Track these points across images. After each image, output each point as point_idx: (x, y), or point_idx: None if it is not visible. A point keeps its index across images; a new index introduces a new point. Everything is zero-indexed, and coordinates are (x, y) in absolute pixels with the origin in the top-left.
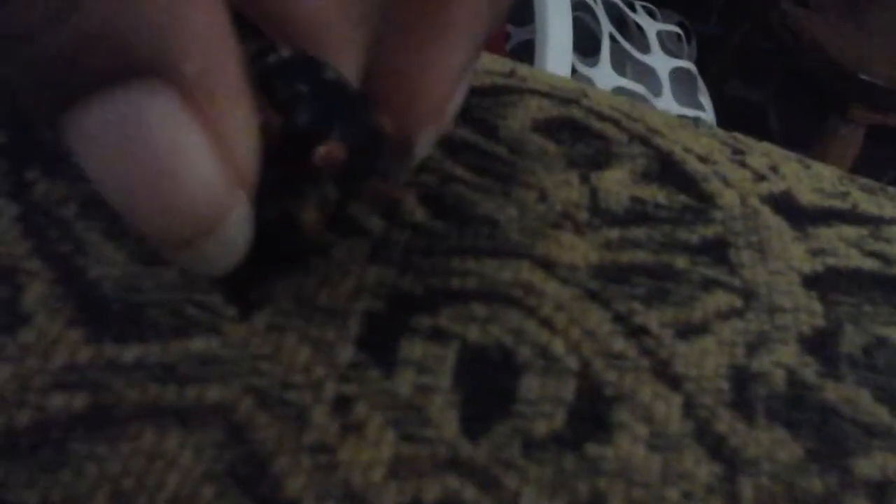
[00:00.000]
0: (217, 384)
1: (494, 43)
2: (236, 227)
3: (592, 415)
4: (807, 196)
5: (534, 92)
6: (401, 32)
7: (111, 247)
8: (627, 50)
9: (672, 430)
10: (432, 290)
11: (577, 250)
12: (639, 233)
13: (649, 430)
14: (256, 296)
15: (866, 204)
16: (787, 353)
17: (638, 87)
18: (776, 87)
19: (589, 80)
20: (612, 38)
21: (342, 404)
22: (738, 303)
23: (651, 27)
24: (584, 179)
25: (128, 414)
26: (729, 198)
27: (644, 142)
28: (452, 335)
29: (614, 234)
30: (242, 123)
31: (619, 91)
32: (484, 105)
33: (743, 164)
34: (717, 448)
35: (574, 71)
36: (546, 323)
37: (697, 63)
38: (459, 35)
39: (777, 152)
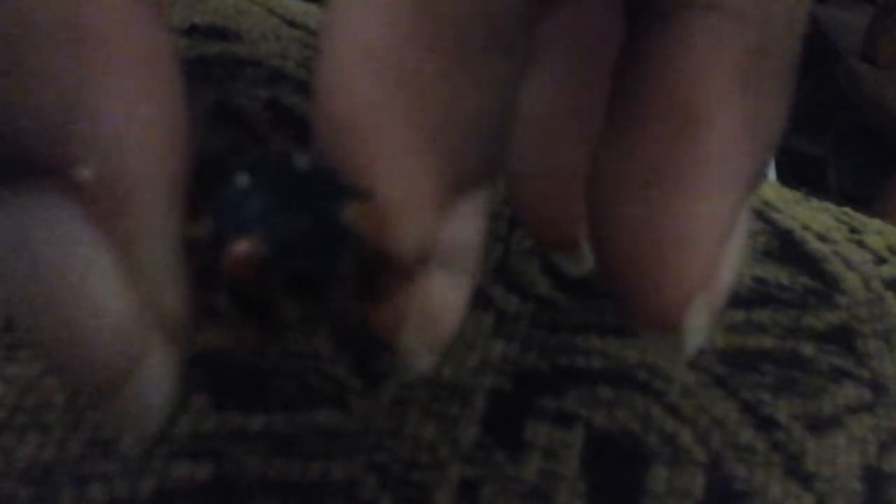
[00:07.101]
0: (341, 460)
1: None
2: (152, 381)
3: None
4: None
5: None
6: (629, 175)
7: None
8: None
9: None
10: (558, 369)
11: None
12: (764, 316)
13: None
14: (381, 367)
15: None
16: None
17: None
18: (837, 141)
19: None
20: None
21: (467, 488)
22: (868, 396)
23: None
24: None
25: (251, 487)
26: (852, 281)
27: (762, 217)
28: (578, 419)
29: (739, 316)
30: (164, 245)
31: None
32: None
33: (861, 245)
34: None
35: None
36: (673, 410)
37: None
38: (720, 169)
39: (890, 231)
